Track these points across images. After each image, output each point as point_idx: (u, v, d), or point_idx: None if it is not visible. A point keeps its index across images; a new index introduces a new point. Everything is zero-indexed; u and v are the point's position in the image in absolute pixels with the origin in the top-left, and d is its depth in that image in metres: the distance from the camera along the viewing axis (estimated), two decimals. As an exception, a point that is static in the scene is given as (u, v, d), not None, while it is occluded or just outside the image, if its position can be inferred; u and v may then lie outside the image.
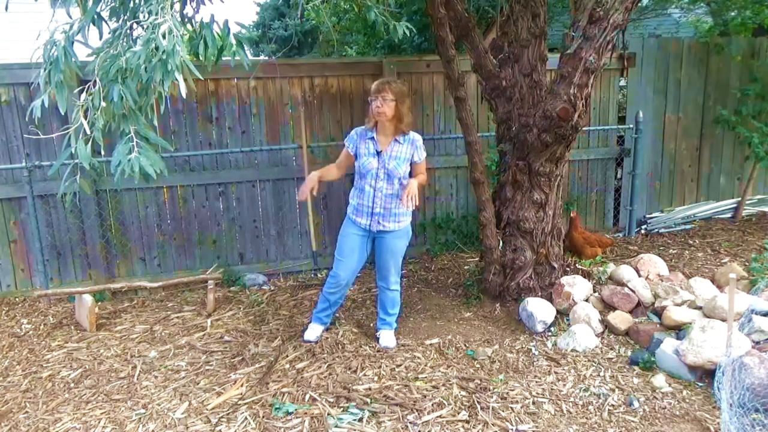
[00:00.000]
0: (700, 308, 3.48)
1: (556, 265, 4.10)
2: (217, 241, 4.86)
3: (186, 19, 2.61)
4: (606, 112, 5.53)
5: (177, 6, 2.49)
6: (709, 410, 2.83)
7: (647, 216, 5.78)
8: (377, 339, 3.65)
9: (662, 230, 5.74)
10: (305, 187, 3.41)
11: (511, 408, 2.91)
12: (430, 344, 3.61)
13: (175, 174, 4.61)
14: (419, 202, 3.36)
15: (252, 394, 3.10)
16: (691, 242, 5.40)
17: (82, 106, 2.27)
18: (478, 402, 2.95)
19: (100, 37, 2.46)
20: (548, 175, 3.88)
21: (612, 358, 3.36)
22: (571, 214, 4.46)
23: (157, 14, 2.17)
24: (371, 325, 3.88)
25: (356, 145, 3.46)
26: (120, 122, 2.25)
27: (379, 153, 3.39)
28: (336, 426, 2.80)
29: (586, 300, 3.84)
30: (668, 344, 3.22)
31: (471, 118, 4.01)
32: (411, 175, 3.50)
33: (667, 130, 5.74)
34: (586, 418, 2.84)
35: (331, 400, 3.01)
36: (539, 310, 3.72)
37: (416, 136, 3.48)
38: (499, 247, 4.13)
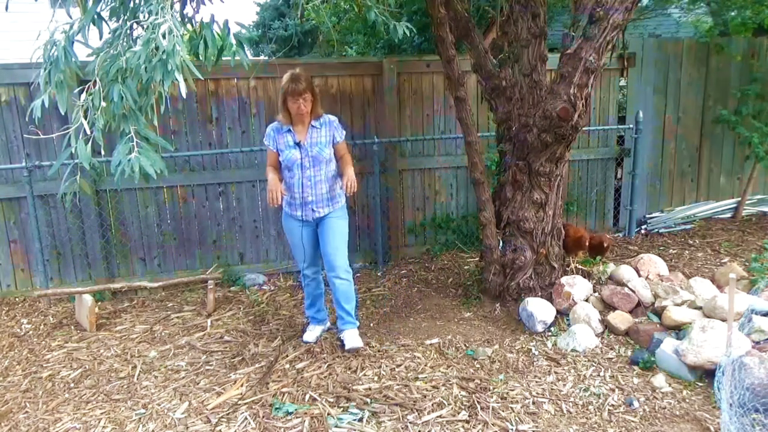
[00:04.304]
0: (700, 308, 3.48)
1: (556, 265, 4.10)
2: (217, 241, 4.86)
3: (186, 19, 2.61)
4: (606, 112, 5.52)
5: (177, 6, 2.49)
6: (709, 410, 2.83)
7: (647, 216, 5.78)
8: (341, 342, 3.56)
9: (662, 230, 5.74)
10: (277, 193, 3.27)
11: (511, 408, 2.91)
12: (430, 344, 3.61)
13: (175, 174, 4.62)
14: (357, 188, 3.35)
15: (252, 394, 3.10)
16: (691, 242, 5.40)
17: (82, 106, 2.27)
18: (478, 402, 2.95)
19: (100, 37, 2.47)
20: (548, 175, 3.88)
21: (612, 358, 3.36)
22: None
23: (157, 14, 2.17)
24: (371, 325, 3.88)
25: (275, 141, 3.42)
26: (120, 122, 2.25)
27: (299, 144, 3.37)
28: (336, 426, 2.80)
29: (586, 300, 3.84)
30: (668, 344, 3.22)
31: (471, 118, 4.01)
32: (336, 157, 3.49)
33: (667, 130, 5.73)
34: (586, 418, 2.84)
35: (331, 400, 3.01)
36: (539, 310, 3.72)
37: (332, 117, 3.48)
38: (499, 247, 4.13)
